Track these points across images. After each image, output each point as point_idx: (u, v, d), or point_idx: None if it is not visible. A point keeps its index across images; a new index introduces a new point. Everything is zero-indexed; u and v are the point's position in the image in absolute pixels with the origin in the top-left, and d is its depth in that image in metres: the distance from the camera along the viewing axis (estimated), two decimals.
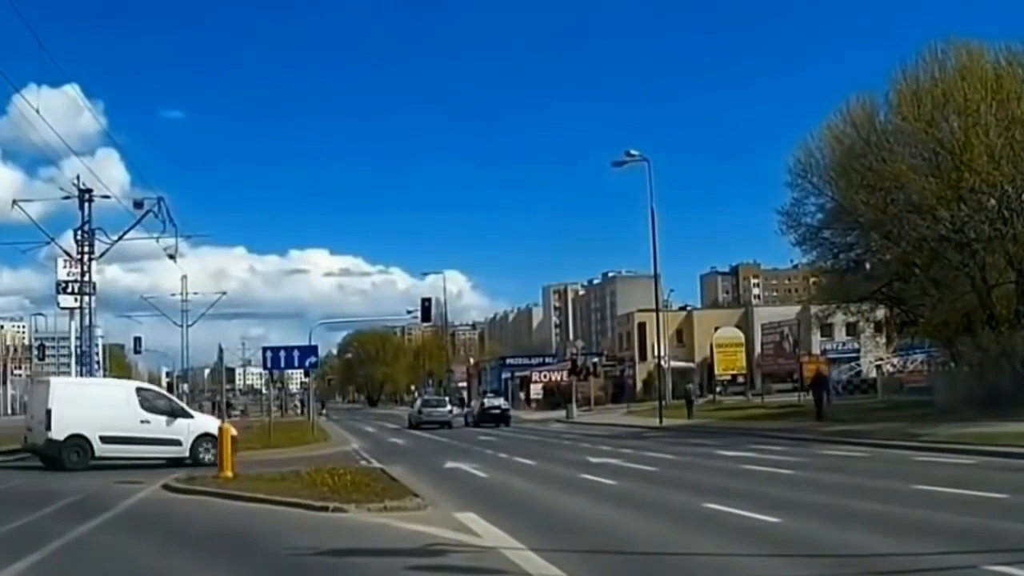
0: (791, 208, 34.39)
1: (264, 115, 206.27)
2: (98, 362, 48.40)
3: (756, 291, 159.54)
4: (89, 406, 21.72)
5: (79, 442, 21.12)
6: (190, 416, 23.31)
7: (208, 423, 22.96)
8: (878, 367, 47.76)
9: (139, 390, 23.90)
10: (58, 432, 20.96)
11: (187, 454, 21.91)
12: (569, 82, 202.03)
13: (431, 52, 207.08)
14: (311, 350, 43.53)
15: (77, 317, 33.75)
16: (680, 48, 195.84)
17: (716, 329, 67.88)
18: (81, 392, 23.35)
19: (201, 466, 20.24)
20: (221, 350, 52.26)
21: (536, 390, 74.79)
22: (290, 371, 50.49)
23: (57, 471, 20.33)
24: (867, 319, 39.20)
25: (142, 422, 21.92)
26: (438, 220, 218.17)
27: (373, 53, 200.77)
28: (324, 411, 76.54)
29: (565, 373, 62.44)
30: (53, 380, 25.14)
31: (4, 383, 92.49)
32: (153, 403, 22.91)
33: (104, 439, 21.35)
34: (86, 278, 30.24)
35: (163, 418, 22.40)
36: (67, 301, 33.54)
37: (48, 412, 21.05)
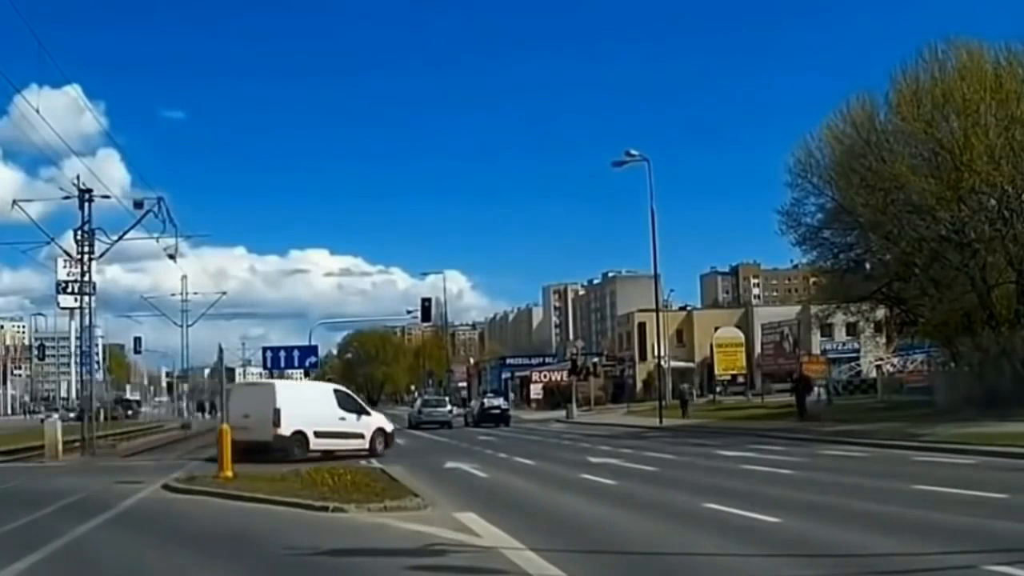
0: (791, 208, 34.49)
1: (264, 115, 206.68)
2: (98, 362, 48.31)
3: (756, 291, 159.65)
4: (304, 406, 24.41)
5: (300, 437, 23.63)
6: (369, 414, 26.39)
7: (381, 420, 26.56)
8: (878, 367, 47.68)
9: (335, 391, 26.92)
10: (286, 428, 23.47)
11: (367, 447, 24.79)
12: (569, 82, 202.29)
13: (431, 53, 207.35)
14: (311, 350, 43.74)
15: (77, 317, 33.63)
16: (680, 48, 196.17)
17: (716, 329, 67.89)
18: (296, 394, 26.19)
19: (376, 456, 23.67)
20: (221, 350, 52.08)
21: (536, 390, 74.73)
22: (290, 371, 50.46)
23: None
24: (867, 319, 39.16)
25: (340, 419, 24.88)
26: (438, 220, 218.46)
27: (372, 54, 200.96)
28: None
29: (565, 373, 62.40)
30: (277, 383, 27.76)
31: (4, 383, 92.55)
32: (346, 402, 25.92)
33: (316, 434, 23.97)
34: (86, 278, 30.06)
35: (353, 415, 25.48)
36: (67, 301, 33.36)
37: (277, 411, 23.38)
